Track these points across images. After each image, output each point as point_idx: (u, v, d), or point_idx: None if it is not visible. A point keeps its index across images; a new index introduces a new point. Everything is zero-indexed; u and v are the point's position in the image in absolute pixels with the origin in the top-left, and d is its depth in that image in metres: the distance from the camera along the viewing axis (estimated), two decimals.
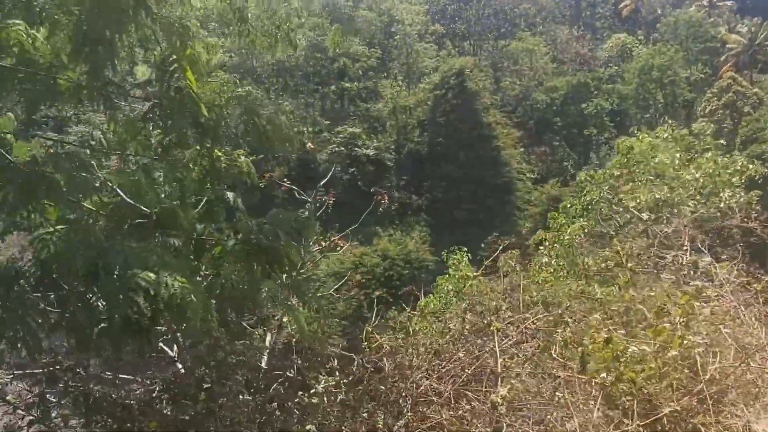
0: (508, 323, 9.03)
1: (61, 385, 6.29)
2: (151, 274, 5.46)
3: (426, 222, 54.55)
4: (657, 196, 13.86)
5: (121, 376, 7.20)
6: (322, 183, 19.73)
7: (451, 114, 57.07)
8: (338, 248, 16.21)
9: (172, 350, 8.35)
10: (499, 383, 7.64)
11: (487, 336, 8.96)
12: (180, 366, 7.73)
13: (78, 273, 5.48)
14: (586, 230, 16.21)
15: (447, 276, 17.53)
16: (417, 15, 70.18)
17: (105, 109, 7.33)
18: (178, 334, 7.80)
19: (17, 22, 6.23)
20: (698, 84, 58.06)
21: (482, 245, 35.85)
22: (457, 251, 16.97)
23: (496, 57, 67.02)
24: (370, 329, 10.31)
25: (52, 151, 6.92)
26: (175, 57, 6.59)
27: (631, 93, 58.82)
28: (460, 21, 71.33)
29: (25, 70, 6.36)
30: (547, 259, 16.76)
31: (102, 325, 5.43)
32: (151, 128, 7.61)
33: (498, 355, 7.91)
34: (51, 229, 5.84)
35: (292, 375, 7.79)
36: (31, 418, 6.23)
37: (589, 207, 17.16)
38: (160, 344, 8.11)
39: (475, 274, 17.98)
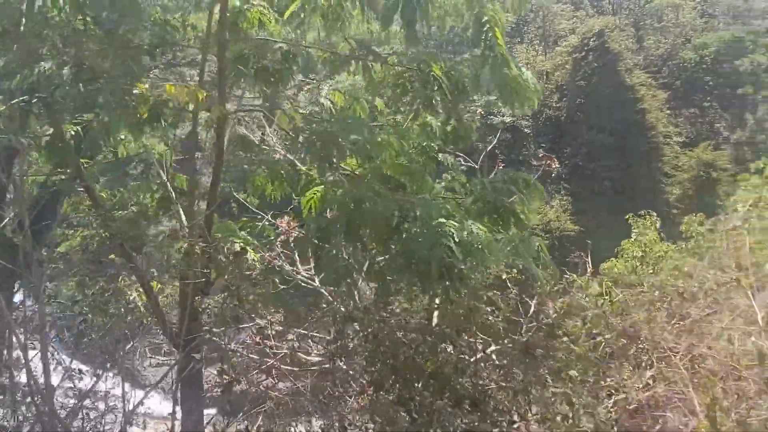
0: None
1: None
2: (454, 222, 5.76)
3: (566, 190, 53.07)
4: None
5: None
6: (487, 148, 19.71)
7: (592, 77, 54.88)
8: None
9: None
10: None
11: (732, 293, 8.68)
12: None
13: (383, 224, 5.87)
14: None
15: (632, 240, 17.08)
16: None
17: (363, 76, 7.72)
18: None
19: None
20: None
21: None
22: (647, 216, 16.51)
23: (638, 15, 63.54)
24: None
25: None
26: None
27: None
28: None
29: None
30: (739, 223, 15.88)
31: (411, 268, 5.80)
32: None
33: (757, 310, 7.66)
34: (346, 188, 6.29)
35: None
36: None
37: None
38: None
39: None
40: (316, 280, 8.28)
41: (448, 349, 7.03)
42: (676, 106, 56.54)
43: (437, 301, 7.08)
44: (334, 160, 6.90)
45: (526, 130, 56.29)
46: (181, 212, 8.77)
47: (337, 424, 7.24)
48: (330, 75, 8.74)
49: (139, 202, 9.14)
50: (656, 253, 16.42)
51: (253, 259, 8.16)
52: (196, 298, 8.08)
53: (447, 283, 6.05)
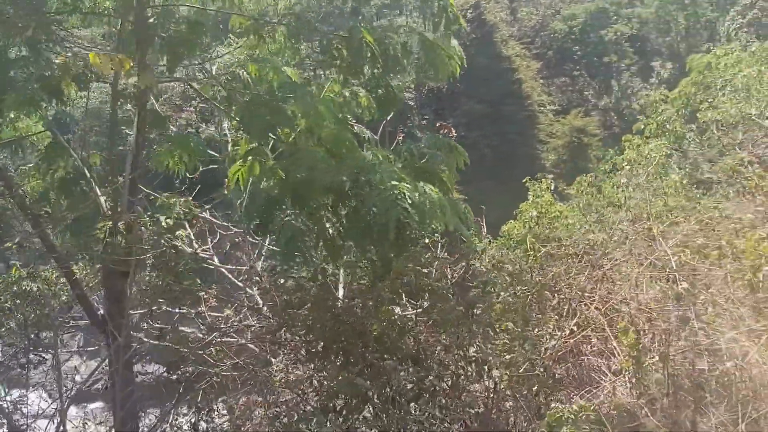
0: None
1: None
2: (407, 185, 5.88)
3: None
4: (748, 110, 14.08)
5: None
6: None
7: (470, 48, 56.37)
8: None
9: None
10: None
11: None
12: None
13: (336, 190, 5.90)
14: (665, 149, 16.50)
15: (529, 202, 17.93)
16: None
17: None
18: None
19: None
20: (720, 2, 57.09)
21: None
22: (542, 179, 17.35)
23: None
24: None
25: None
26: None
27: (652, 16, 58.01)
28: None
29: None
30: (626, 180, 17.13)
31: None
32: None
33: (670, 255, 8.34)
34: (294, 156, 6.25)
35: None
36: None
37: (665, 126, 17.38)
38: None
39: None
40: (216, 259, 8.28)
41: (396, 312, 7.22)
42: (548, 75, 59.27)
43: (379, 265, 7.21)
44: (277, 130, 6.81)
45: (410, 102, 57.18)
46: (97, 190, 8.35)
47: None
48: (250, 44, 8.52)
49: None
50: (551, 213, 17.35)
51: (184, 236, 7.93)
52: (122, 279, 7.77)
53: (399, 244, 6.20)
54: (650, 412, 6.79)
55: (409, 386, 7.15)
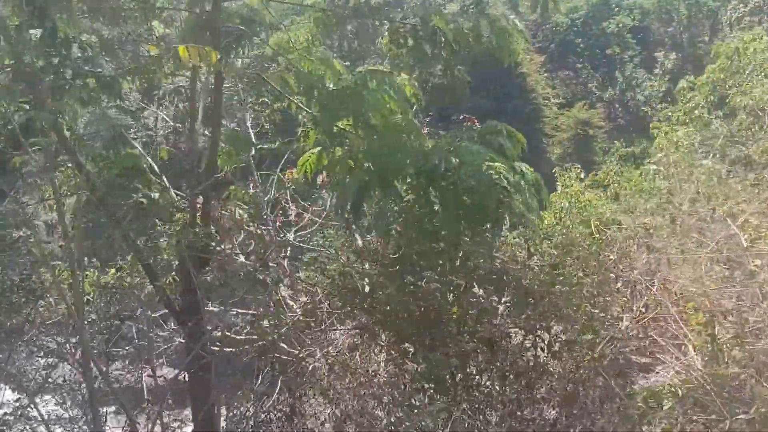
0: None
1: None
2: (501, 164, 5.98)
3: None
4: None
5: None
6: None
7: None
8: None
9: None
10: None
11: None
12: None
13: (429, 172, 6.00)
14: (694, 136, 16.61)
15: (558, 192, 18.03)
16: None
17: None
18: None
19: None
20: None
21: None
22: (572, 168, 17.43)
23: None
24: None
25: None
26: None
27: (653, 7, 58.15)
28: None
29: None
30: (655, 167, 17.25)
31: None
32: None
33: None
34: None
35: None
36: None
37: (693, 114, 17.49)
38: None
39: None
40: None
41: (478, 295, 7.31)
42: (552, 68, 59.40)
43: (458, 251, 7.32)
44: (360, 121, 6.89)
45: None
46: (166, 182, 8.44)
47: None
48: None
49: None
50: (582, 203, 17.45)
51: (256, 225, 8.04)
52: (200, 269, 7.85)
53: (495, 225, 6.30)
54: (736, 388, 6.88)
55: (493, 368, 7.26)
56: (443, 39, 7.50)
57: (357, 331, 7.26)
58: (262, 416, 7.44)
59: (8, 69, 7.04)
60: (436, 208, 6.42)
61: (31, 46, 6.69)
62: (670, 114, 18.03)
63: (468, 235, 6.65)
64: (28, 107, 6.72)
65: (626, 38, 57.98)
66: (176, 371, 8.41)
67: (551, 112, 57.97)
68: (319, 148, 8.11)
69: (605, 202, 18.66)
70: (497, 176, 6.07)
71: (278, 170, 9.93)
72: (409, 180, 6.63)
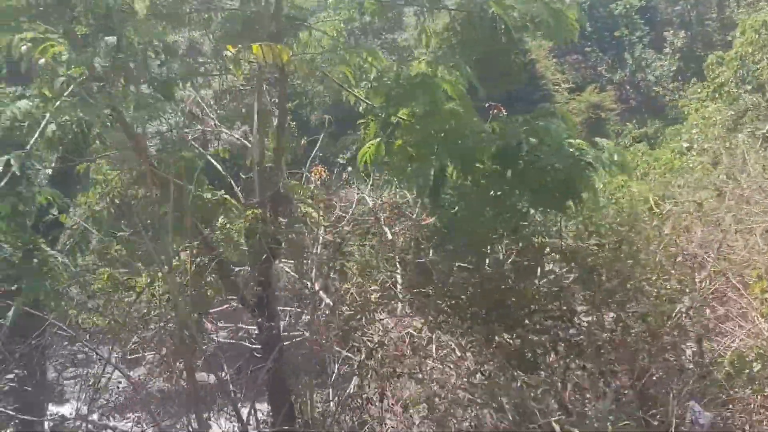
0: None
1: None
2: (579, 141, 6.10)
3: None
4: None
5: None
6: None
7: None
8: None
9: None
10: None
11: None
12: None
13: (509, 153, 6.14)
14: (726, 111, 16.65)
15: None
16: None
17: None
18: None
19: None
20: None
21: None
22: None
23: None
24: None
25: None
26: None
27: None
28: None
29: None
30: (687, 145, 17.31)
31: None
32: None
33: None
34: None
35: None
36: None
37: (723, 90, 17.50)
38: None
39: None
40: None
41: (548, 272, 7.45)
42: (560, 54, 59.24)
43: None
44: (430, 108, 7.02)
45: None
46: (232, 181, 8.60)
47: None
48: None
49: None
50: (615, 183, 17.54)
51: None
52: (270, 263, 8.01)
53: (577, 202, 6.41)
54: None
55: (572, 342, 7.38)
56: (502, 26, 7.60)
57: (435, 314, 7.38)
58: (348, 402, 7.59)
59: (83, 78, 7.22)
60: (515, 189, 6.53)
61: (101, 53, 6.87)
62: (699, 90, 18.01)
63: (553, 213, 6.77)
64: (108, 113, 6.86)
65: (634, 19, 57.77)
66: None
67: (562, 97, 57.81)
68: (378, 139, 8.25)
69: (636, 183, 18.76)
70: (578, 153, 6.19)
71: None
72: (485, 162, 6.75)
